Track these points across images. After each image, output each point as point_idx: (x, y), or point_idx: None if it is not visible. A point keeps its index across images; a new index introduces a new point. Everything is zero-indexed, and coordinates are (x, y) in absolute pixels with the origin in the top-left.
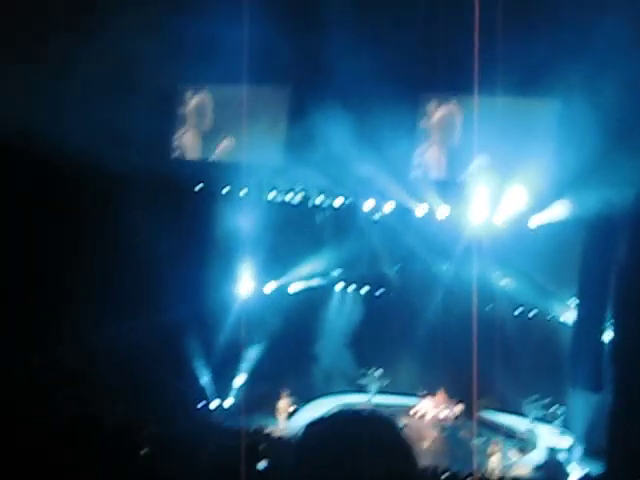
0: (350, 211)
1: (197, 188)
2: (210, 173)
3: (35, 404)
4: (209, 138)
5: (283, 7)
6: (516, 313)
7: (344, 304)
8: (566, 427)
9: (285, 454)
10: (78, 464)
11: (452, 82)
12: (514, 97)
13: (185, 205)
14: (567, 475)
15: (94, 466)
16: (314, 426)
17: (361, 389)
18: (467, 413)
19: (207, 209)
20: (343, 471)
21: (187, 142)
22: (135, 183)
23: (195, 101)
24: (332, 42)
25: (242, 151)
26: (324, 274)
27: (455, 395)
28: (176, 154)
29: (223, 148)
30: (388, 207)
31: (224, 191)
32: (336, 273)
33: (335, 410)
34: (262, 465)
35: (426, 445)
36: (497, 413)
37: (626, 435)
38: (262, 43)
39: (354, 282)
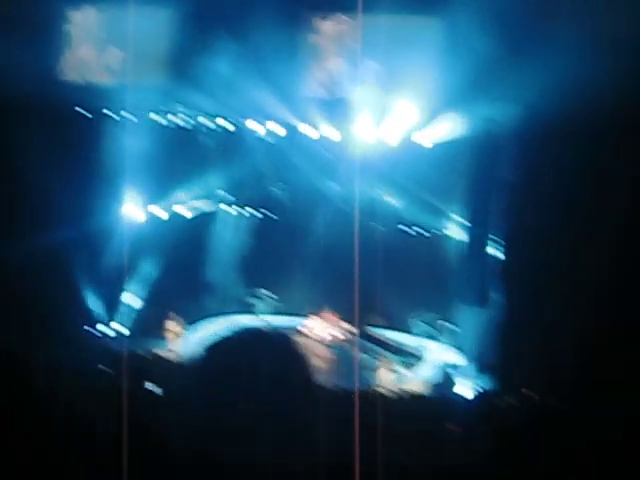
0: (235, 132)
1: (79, 110)
2: (92, 94)
3: None
4: (91, 58)
5: None
6: (401, 229)
7: (230, 225)
8: (457, 343)
9: (177, 376)
10: None
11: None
12: (399, 13)
13: (68, 127)
14: (456, 389)
15: None
16: (215, 346)
17: (249, 310)
18: (356, 331)
19: (90, 131)
20: (242, 389)
21: (67, 62)
22: (16, 106)
23: (76, 18)
24: None
25: (125, 72)
26: (210, 196)
27: (342, 313)
28: (56, 75)
29: (105, 68)
30: (274, 127)
31: (107, 112)
32: (222, 194)
33: (232, 331)
34: (152, 388)
35: (316, 363)
36: (384, 330)
37: (515, 349)
38: None
39: (240, 203)
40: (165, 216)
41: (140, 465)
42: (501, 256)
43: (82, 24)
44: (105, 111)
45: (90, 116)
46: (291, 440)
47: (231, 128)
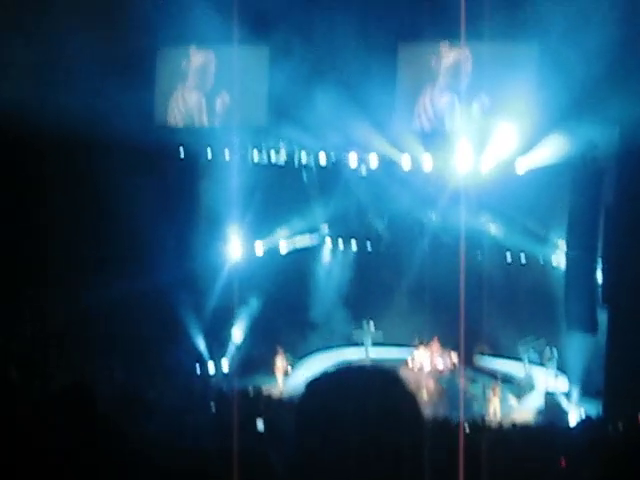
0: (335, 166)
1: (182, 152)
2: (194, 136)
3: (28, 373)
4: (192, 102)
5: None
6: (506, 258)
7: (334, 260)
8: (562, 369)
9: (285, 412)
10: (72, 434)
11: (435, 31)
12: (498, 41)
13: (172, 170)
14: (565, 417)
15: (89, 435)
16: (315, 383)
17: (356, 343)
18: (462, 360)
19: (193, 173)
20: (346, 426)
21: (171, 108)
22: (122, 150)
23: (177, 64)
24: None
25: (225, 113)
26: (313, 231)
27: (449, 343)
28: (160, 120)
29: (206, 111)
30: (373, 160)
31: (209, 154)
32: (325, 229)
33: (334, 367)
34: (261, 425)
35: (425, 395)
36: (493, 359)
37: (622, 375)
38: (239, 3)
39: (343, 237)
40: (266, 253)
41: None
42: (604, 280)
43: (185, 67)
44: (209, 151)
45: (190, 157)
46: (397, 477)
47: (328, 163)
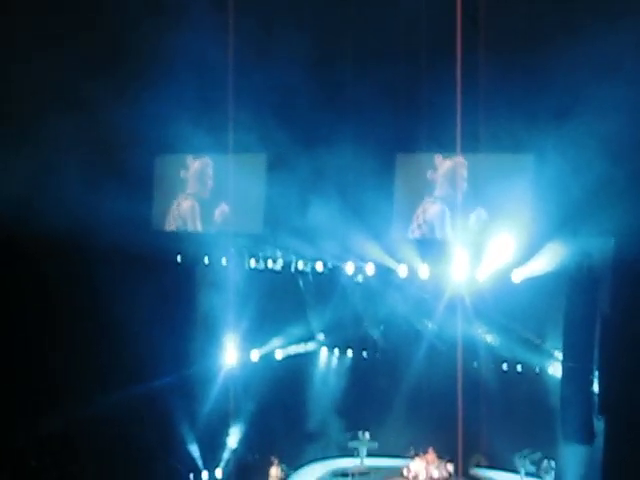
0: (332, 274)
1: (178, 258)
2: (190, 243)
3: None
4: (189, 209)
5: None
6: (502, 368)
7: (330, 368)
8: None
9: None
10: None
11: (431, 142)
12: (494, 152)
13: (168, 276)
14: None
15: None
16: None
17: (351, 452)
18: (459, 471)
19: (190, 279)
20: None
21: (166, 213)
22: (119, 256)
23: (174, 172)
24: (308, 107)
25: (220, 220)
26: (309, 339)
27: (445, 454)
28: (155, 225)
29: (203, 218)
30: (370, 269)
31: (205, 260)
32: (321, 337)
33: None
34: None
35: None
36: (489, 470)
37: None
38: (236, 112)
39: (339, 345)
40: (264, 360)
41: None
42: (600, 390)
43: (181, 175)
44: (206, 260)
45: (187, 264)
46: None
47: (329, 270)
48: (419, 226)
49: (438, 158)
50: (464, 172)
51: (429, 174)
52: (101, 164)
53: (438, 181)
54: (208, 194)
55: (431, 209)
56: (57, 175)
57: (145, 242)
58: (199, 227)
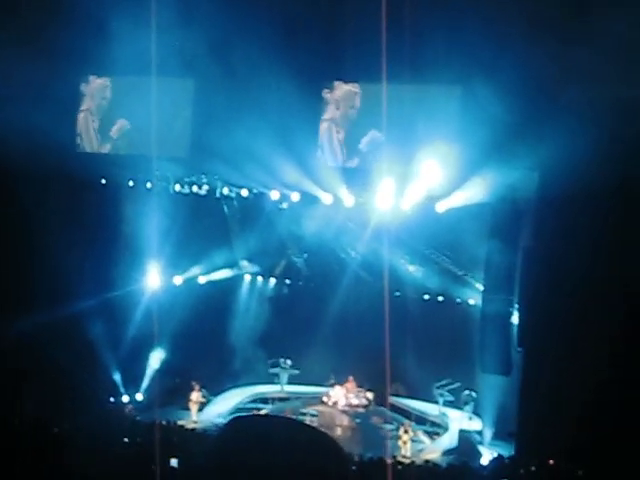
0: (256, 201)
1: (103, 181)
2: (115, 166)
3: None
4: (114, 131)
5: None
6: (424, 298)
7: (253, 294)
8: (476, 411)
9: (198, 447)
10: None
11: (357, 70)
12: (419, 84)
13: (91, 199)
14: (478, 458)
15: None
16: (231, 428)
17: (272, 379)
18: (377, 400)
19: (113, 202)
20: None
21: (91, 135)
22: (40, 177)
23: (100, 93)
24: (236, 32)
25: (147, 143)
26: (232, 265)
27: (365, 382)
28: (80, 147)
29: (128, 140)
30: (295, 196)
31: (130, 183)
32: (245, 264)
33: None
34: (174, 460)
35: (338, 432)
36: (407, 399)
37: (535, 417)
38: (166, 35)
39: (263, 273)
40: (185, 285)
41: None
42: (519, 323)
43: (107, 94)
44: (127, 181)
45: (110, 186)
46: None
47: (250, 197)
48: (345, 155)
49: (361, 86)
50: (390, 101)
51: (355, 102)
52: (20, 84)
53: (364, 110)
54: (134, 115)
55: (359, 137)
56: None
57: (66, 163)
58: (122, 148)
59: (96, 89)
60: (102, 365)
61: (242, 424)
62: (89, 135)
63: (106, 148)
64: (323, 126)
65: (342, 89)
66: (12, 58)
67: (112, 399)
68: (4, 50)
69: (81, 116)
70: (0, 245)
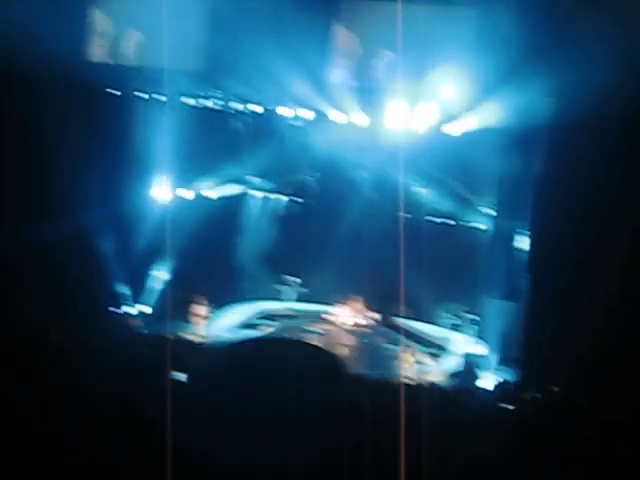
0: (270, 118)
1: (111, 91)
2: (125, 75)
3: None
4: (124, 40)
5: None
6: (432, 221)
7: (262, 211)
8: (481, 335)
9: (204, 361)
10: None
11: None
12: (435, 4)
13: (100, 108)
14: (482, 382)
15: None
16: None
17: (276, 296)
18: (384, 321)
19: (122, 112)
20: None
21: (100, 43)
22: (47, 85)
23: (112, 2)
24: None
25: (158, 54)
26: (242, 181)
27: (372, 303)
28: (88, 56)
29: (139, 51)
30: (307, 114)
31: (141, 95)
32: (254, 180)
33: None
34: (181, 375)
35: (344, 351)
36: (414, 321)
37: (540, 344)
38: None
39: (272, 189)
40: (194, 200)
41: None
42: (529, 249)
43: (116, 4)
44: (137, 93)
45: (121, 97)
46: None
47: (263, 114)
48: (358, 73)
49: (379, 4)
50: (404, 19)
51: (370, 20)
52: None
53: (378, 28)
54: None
55: (373, 57)
56: None
57: (72, 72)
58: (130, 59)
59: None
60: (108, 276)
61: (251, 346)
62: (101, 44)
63: (118, 58)
64: (338, 44)
65: (358, 8)
66: None
67: (118, 309)
68: None
69: (92, 24)
70: (7, 153)
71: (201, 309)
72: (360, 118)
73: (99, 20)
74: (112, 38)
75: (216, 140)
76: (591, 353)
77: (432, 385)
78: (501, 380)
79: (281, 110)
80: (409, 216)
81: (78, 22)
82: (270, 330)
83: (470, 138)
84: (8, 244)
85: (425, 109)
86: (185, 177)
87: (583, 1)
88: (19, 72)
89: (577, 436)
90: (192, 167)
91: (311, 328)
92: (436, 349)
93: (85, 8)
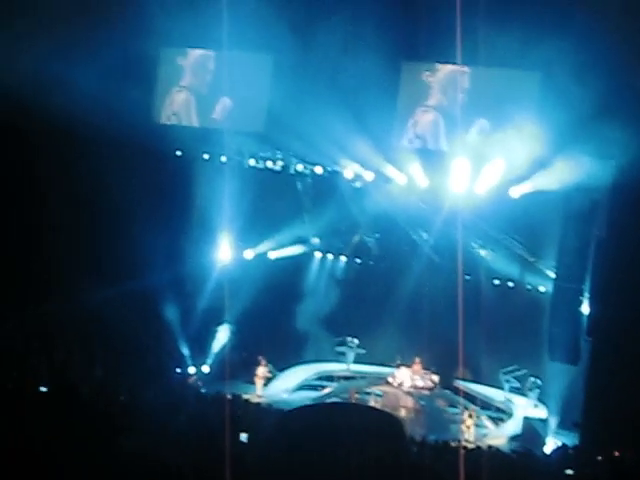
0: (330, 179)
1: (178, 153)
2: (191, 139)
3: (9, 370)
4: (190, 104)
5: None
6: (494, 283)
7: (323, 272)
8: (542, 399)
9: (263, 422)
10: (53, 434)
11: (436, 53)
12: (498, 68)
13: (166, 171)
14: (542, 446)
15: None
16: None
17: (338, 358)
18: (443, 383)
19: (188, 175)
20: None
21: (169, 108)
22: (116, 148)
23: (177, 66)
24: (314, 10)
25: (223, 117)
26: (304, 242)
27: (431, 365)
28: (157, 120)
29: (204, 114)
30: (369, 176)
31: (205, 157)
32: (316, 241)
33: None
34: (243, 436)
35: (402, 413)
36: (473, 384)
37: (601, 407)
38: (246, 10)
39: (334, 251)
40: (255, 260)
41: None
42: (589, 312)
43: (185, 70)
44: (205, 155)
45: (190, 160)
46: None
47: (323, 174)
48: (417, 136)
49: (442, 68)
50: (468, 83)
51: (433, 83)
52: (104, 55)
53: (441, 90)
54: (211, 89)
55: (435, 119)
56: (57, 67)
57: (145, 134)
58: (198, 122)
59: (186, 63)
60: (171, 337)
61: (309, 412)
62: (168, 108)
63: (182, 121)
64: (399, 106)
65: (422, 74)
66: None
67: (179, 370)
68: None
69: (161, 89)
70: (75, 214)
71: (261, 370)
72: (421, 179)
73: (168, 83)
74: (179, 101)
75: (277, 201)
76: None
77: (492, 448)
78: (560, 444)
79: (342, 171)
80: (470, 278)
81: (147, 85)
82: (328, 391)
83: (531, 200)
84: (75, 305)
85: (486, 171)
86: (247, 238)
87: None
88: (89, 133)
89: None
90: (254, 228)
91: (370, 390)
92: (496, 412)
93: (150, 73)
